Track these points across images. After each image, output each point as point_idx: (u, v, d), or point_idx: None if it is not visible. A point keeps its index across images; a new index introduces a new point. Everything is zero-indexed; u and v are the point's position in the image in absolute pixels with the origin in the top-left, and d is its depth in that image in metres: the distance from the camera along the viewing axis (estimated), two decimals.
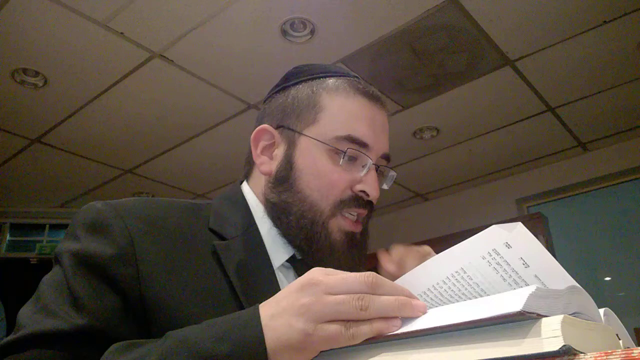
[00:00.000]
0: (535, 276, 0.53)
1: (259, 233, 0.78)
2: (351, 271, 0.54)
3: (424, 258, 0.85)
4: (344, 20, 2.24)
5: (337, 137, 0.78)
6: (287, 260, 0.78)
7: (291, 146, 0.80)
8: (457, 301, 0.57)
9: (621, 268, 3.30)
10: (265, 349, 0.50)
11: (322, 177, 0.77)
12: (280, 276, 0.76)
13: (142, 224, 0.68)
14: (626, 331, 0.56)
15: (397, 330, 0.51)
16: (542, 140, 3.34)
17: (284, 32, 2.30)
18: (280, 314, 0.52)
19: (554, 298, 0.45)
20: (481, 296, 0.55)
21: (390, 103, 2.84)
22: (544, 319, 0.42)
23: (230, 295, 0.68)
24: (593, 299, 0.50)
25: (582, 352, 0.40)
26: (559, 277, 0.52)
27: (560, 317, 0.41)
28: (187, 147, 3.23)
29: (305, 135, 0.79)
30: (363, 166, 0.79)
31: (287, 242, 0.78)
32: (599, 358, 0.39)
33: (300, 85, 0.83)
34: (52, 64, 2.44)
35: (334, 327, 0.50)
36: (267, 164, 0.82)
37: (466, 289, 0.56)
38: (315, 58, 2.43)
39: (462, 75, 2.65)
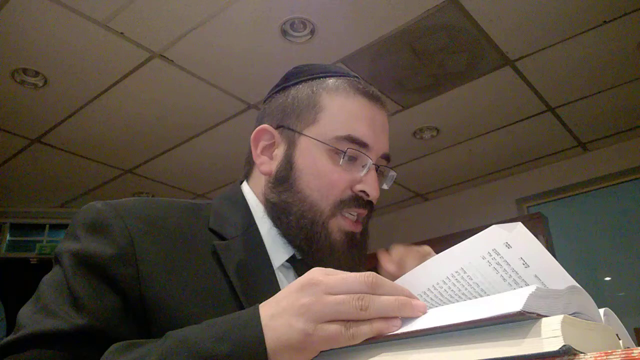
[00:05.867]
0: (535, 276, 0.53)
1: (259, 233, 0.78)
2: (351, 271, 0.54)
3: (424, 258, 0.85)
4: (344, 20, 2.24)
5: (337, 137, 0.78)
6: (287, 260, 0.78)
7: (291, 146, 0.80)
8: (457, 301, 0.57)
9: (621, 268, 3.30)
10: (265, 349, 0.50)
11: (322, 177, 0.77)
12: (280, 276, 0.76)
13: (142, 224, 0.68)
14: (626, 331, 0.56)
15: (397, 330, 0.51)
16: (542, 140, 3.34)
17: (284, 32, 2.30)
18: (280, 314, 0.52)
19: (554, 298, 0.45)
20: (481, 296, 0.55)
21: (390, 103, 2.84)
22: (544, 319, 0.42)
23: (230, 295, 0.68)
24: (593, 299, 0.50)
25: (582, 352, 0.40)
26: (559, 277, 0.52)
27: (560, 317, 0.41)
28: (187, 147, 3.23)
29: (305, 135, 0.79)
30: (363, 166, 0.79)
31: (287, 242, 0.78)
32: (599, 358, 0.39)
33: (300, 85, 0.83)
34: (52, 64, 2.44)
35: (334, 327, 0.50)
36: (267, 164, 0.81)
37: (466, 289, 0.56)
38: (315, 58, 2.43)
39: (462, 75, 2.64)
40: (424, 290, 0.58)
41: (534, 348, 0.41)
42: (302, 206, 0.77)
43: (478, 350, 0.44)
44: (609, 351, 0.39)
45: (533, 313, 0.42)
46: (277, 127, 0.82)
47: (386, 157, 0.84)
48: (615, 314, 0.56)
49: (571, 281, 0.51)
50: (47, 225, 3.95)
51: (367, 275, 0.53)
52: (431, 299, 0.58)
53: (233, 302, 0.67)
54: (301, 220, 0.76)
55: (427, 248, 0.90)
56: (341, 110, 0.80)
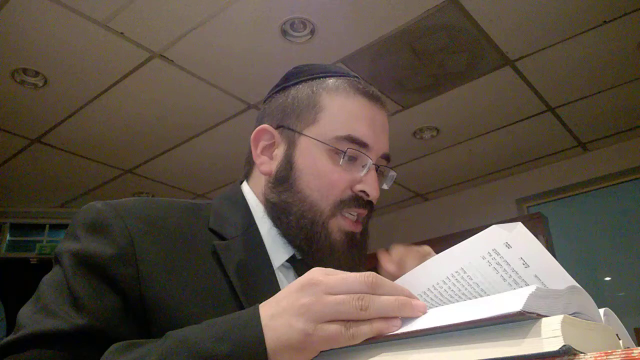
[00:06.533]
0: (535, 276, 0.53)
1: (259, 233, 0.78)
2: (351, 271, 0.54)
3: (424, 258, 0.85)
4: (344, 20, 2.24)
5: (337, 137, 0.78)
6: (287, 260, 0.78)
7: (291, 146, 0.80)
8: (457, 301, 0.57)
9: (621, 268, 3.30)
10: (265, 349, 0.50)
11: (322, 177, 0.77)
12: (280, 276, 0.76)
13: (142, 224, 0.68)
14: (626, 331, 0.56)
15: (397, 330, 0.51)
16: (542, 140, 3.34)
17: (284, 32, 2.30)
18: (280, 314, 0.52)
19: (554, 298, 0.45)
20: (481, 296, 0.55)
21: (390, 103, 2.84)
22: (544, 319, 0.42)
23: (230, 295, 0.68)
24: (593, 299, 0.50)
25: (582, 352, 0.40)
26: (559, 277, 0.52)
27: (560, 317, 0.41)
28: (187, 147, 3.23)
29: (305, 135, 0.79)
30: (363, 166, 0.79)
31: (287, 242, 0.78)
32: (599, 358, 0.39)
33: (300, 85, 0.83)
34: (52, 64, 2.44)
35: (334, 327, 0.50)
36: (267, 164, 0.82)
37: (466, 289, 0.56)
38: (315, 58, 2.43)
39: (462, 75, 2.64)
40: (424, 290, 0.58)
41: (534, 348, 0.41)
42: (302, 206, 0.77)
43: (478, 350, 0.44)
44: (609, 351, 0.39)
45: (533, 313, 0.42)
46: (277, 127, 0.82)
47: (386, 157, 0.84)
48: (615, 314, 0.56)
49: (571, 281, 0.51)
50: (47, 225, 3.95)
51: (367, 275, 0.53)
52: (431, 299, 0.58)
53: (233, 302, 0.67)
54: (301, 220, 0.76)
55: (427, 248, 0.90)
56: (341, 110, 0.80)
